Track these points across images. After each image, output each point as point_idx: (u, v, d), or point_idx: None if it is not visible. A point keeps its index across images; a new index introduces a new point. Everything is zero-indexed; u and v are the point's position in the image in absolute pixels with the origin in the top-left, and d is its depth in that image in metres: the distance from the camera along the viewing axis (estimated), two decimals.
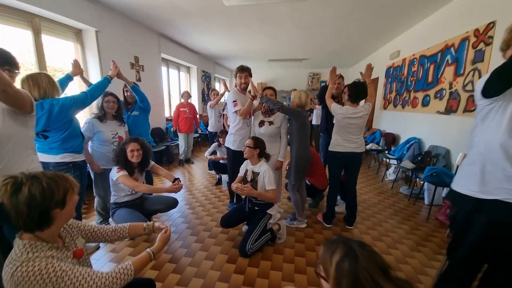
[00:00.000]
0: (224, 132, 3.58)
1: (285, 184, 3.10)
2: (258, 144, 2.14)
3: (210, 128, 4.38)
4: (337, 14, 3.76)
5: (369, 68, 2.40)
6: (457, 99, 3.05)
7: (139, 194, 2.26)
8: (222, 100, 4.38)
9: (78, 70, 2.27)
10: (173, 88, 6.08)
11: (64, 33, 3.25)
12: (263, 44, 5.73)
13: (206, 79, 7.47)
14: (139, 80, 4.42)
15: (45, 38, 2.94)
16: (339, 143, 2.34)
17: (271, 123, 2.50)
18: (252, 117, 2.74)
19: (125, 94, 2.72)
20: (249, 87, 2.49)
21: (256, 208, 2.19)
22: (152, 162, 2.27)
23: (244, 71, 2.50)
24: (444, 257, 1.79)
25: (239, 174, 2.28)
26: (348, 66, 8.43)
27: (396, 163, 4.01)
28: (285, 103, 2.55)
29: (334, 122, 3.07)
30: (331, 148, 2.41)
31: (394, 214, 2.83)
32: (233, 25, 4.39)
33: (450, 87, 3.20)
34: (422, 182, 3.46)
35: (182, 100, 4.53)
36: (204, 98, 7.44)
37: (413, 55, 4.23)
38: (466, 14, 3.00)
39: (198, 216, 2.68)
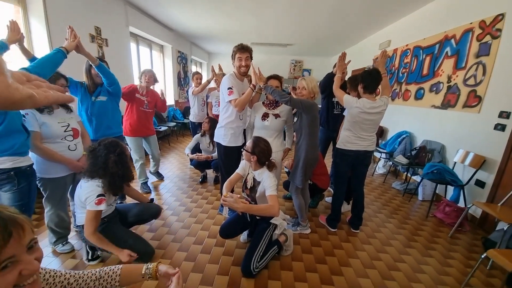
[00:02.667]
0: (209, 117, 3.13)
1: (283, 183, 2.81)
2: (256, 151, 1.71)
3: (192, 118, 3.82)
4: None
5: (384, 55, 2.13)
6: (456, 93, 2.98)
7: (114, 206, 1.78)
8: (208, 86, 3.82)
9: (16, 35, 1.59)
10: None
11: None
12: (249, 25, 5.20)
13: (182, 61, 6.70)
14: (103, 57, 3.66)
15: None
16: (351, 140, 2.07)
17: (277, 116, 2.15)
18: (248, 109, 2.35)
19: (92, 73, 2.05)
20: (249, 72, 2.07)
21: (257, 217, 1.86)
22: None
23: (245, 51, 2.02)
24: (470, 270, 1.68)
25: (236, 172, 1.89)
26: (331, 54, 8.26)
27: (385, 157, 3.97)
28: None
29: (336, 114, 2.87)
30: (340, 145, 2.15)
31: (394, 213, 2.73)
32: None
33: (449, 81, 3.12)
34: (414, 177, 3.45)
35: (142, 82, 2.67)
36: (180, 82, 6.70)
37: (406, 45, 4.11)
38: (469, 5, 2.87)
39: (185, 225, 2.27)
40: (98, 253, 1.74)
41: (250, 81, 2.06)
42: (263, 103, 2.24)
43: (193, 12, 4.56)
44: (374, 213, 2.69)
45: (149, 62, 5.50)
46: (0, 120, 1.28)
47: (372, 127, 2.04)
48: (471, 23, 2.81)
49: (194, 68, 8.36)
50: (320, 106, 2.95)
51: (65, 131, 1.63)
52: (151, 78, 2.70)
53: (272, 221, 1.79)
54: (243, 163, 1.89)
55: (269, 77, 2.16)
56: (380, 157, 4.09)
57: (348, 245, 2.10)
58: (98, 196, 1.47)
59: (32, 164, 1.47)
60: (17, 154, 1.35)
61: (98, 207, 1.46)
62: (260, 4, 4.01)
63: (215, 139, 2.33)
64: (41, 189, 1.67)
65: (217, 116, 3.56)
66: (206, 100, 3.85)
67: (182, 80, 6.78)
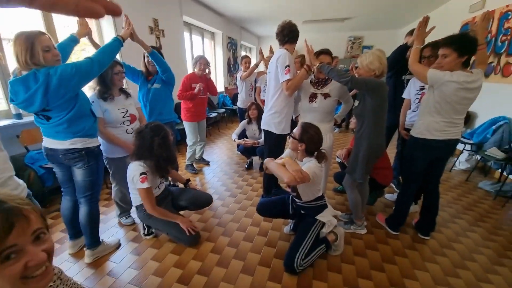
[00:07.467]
0: (255, 104, 3.05)
1: (333, 175, 2.55)
2: (305, 138, 1.51)
3: (240, 104, 3.78)
4: None
5: (486, 17, 1.57)
6: None
7: (164, 186, 1.91)
8: (255, 70, 3.69)
9: (85, 29, 1.76)
10: None
11: None
12: (300, 1, 4.77)
13: (232, 47, 6.72)
14: (160, 47, 3.90)
15: None
16: (440, 127, 1.62)
17: (326, 95, 1.89)
18: None
19: (146, 62, 2.23)
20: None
21: (302, 212, 1.70)
22: None
23: None
24: None
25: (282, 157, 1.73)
26: (398, 26, 7.00)
27: (470, 149, 3.18)
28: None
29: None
30: (422, 135, 1.69)
31: (480, 220, 2.18)
32: None
33: None
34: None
35: (196, 70, 2.83)
36: (230, 69, 6.77)
37: (507, 6, 3.09)
38: None
39: (230, 210, 2.28)
40: (152, 230, 1.90)
41: (301, 62, 1.84)
42: (310, 81, 1.98)
43: None
44: (452, 218, 2.19)
45: (201, 50, 5.68)
46: (72, 105, 1.43)
47: (467, 108, 1.59)
48: None
49: (243, 54, 8.33)
50: None
51: (123, 117, 1.78)
52: (206, 65, 2.83)
53: (319, 217, 1.60)
54: (287, 151, 1.72)
55: (319, 53, 1.88)
56: (464, 149, 3.30)
57: (414, 254, 1.75)
58: (141, 174, 1.58)
59: (99, 145, 1.64)
60: (87, 136, 1.51)
61: (143, 184, 1.59)
62: None
63: (264, 127, 2.17)
64: (107, 166, 1.89)
65: (263, 101, 3.45)
66: (255, 85, 3.74)
67: (232, 67, 6.84)
